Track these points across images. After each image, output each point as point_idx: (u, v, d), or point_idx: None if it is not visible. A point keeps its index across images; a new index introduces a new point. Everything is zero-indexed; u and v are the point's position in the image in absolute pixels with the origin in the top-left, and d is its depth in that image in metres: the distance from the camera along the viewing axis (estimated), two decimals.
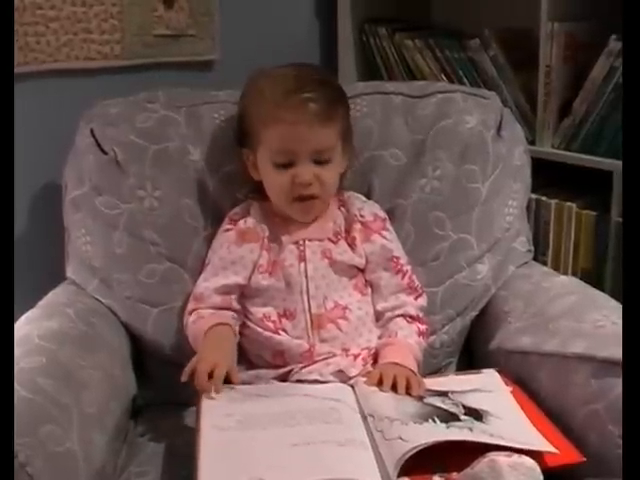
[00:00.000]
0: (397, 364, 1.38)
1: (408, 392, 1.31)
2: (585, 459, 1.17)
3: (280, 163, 1.41)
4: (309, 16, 2.28)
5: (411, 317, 1.47)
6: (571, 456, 1.18)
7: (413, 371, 1.37)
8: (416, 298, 1.50)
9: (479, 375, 1.42)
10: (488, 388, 1.35)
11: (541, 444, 1.17)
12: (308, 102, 1.39)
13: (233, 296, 1.45)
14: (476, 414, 1.23)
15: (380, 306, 1.49)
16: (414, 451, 1.11)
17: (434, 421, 1.20)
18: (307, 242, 1.46)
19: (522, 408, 1.29)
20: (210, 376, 1.28)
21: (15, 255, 1.44)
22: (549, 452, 1.16)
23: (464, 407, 1.26)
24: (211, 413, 1.25)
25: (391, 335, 1.45)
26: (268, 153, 1.42)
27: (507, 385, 1.37)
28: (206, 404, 1.27)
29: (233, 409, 1.26)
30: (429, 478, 1.12)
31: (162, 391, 1.52)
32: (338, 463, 1.13)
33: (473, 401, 1.28)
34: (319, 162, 1.42)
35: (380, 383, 1.33)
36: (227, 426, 1.21)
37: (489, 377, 1.41)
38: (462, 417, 1.22)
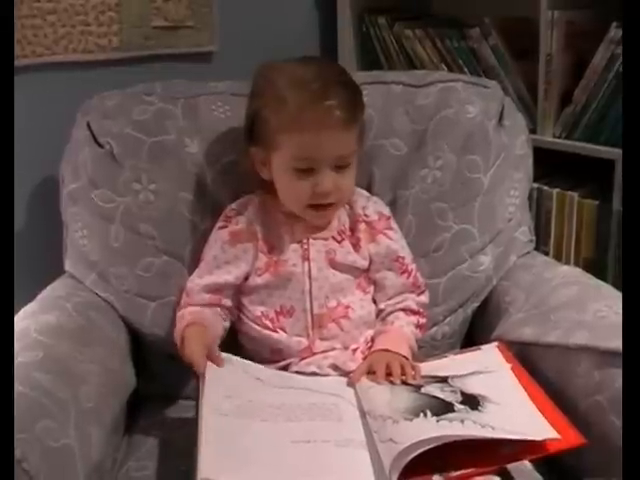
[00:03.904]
0: (388, 351, 1.37)
1: (404, 380, 1.30)
2: (587, 441, 1.15)
3: (300, 169, 1.36)
4: (309, 6, 2.27)
5: (411, 311, 1.47)
6: (572, 439, 1.15)
7: (405, 357, 1.36)
8: (418, 295, 1.49)
9: (479, 352, 1.41)
10: (488, 369, 1.33)
11: (541, 430, 1.15)
12: (333, 110, 1.33)
13: (223, 294, 1.44)
14: (473, 401, 1.22)
15: (383, 304, 1.48)
16: (410, 457, 1.09)
17: (425, 415, 1.17)
18: (311, 240, 1.44)
19: (522, 386, 1.28)
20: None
21: (14, 249, 1.44)
22: (550, 439, 1.14)
23: (462, 394, 1.24)
24: (213, 391, 1.23)
25: (387, 325, 1.44)
26: (287, 158, 1.36)
27: (507, 361, 1.35)
28: (209, 380, 1.25)
29: (234, 390, 1.25)
30: (428, 478, 1.10)
31: (161, 384, 1.52)
32: (338, 466, 1.13)
33: (472, 386, 1.27)
34: (339, 167, 1.37)
35: (374, 374, 1.32)
36: (227, 410, 1.20)
37: (489, 354, 1.39)
38: (457, 406, 1.20)
